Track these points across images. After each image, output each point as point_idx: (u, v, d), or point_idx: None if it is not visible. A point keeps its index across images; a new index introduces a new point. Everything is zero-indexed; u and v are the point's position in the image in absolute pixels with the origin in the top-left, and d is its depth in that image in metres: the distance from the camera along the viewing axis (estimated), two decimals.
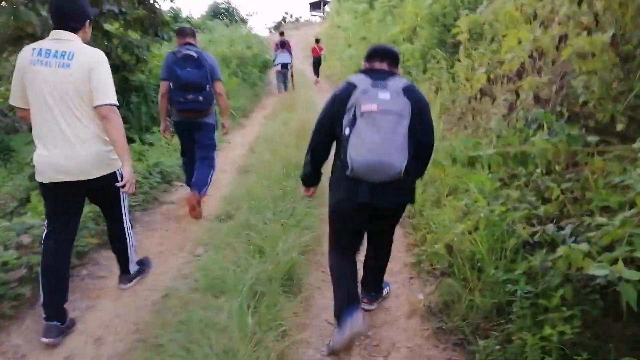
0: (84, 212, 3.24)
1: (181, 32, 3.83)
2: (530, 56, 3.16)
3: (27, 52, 2.17)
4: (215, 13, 26.25)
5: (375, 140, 1.88)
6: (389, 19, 9.87)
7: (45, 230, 2.36)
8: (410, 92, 1.98)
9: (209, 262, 2.71)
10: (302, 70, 13.01)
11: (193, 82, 3.58)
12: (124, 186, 2.28)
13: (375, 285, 2.57)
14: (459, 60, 5.79)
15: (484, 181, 2.89)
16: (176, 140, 4.42)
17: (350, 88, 2.00)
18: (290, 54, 11.00)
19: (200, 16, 24.98)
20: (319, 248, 3.19)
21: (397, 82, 1.99)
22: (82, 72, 2.17)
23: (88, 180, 2.27)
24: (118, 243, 2.65)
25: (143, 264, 2.89)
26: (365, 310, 2.48)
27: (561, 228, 2.21)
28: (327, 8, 33.64)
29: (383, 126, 1.89)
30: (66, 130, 2.19)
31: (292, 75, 11.20)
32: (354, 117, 1.92)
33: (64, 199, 2.32)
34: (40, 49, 2.16)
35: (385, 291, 2.66)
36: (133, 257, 2.74)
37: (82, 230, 3.13)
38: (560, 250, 1.79)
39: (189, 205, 3.69)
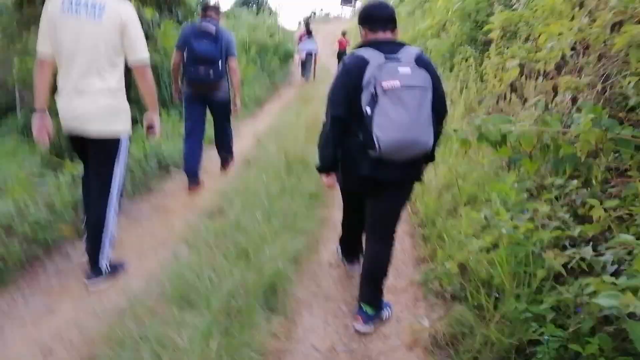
0: (61, 199, 3.00)
1: (205, 7, 3.87)
2: (573, 48, 2.71)
3: (57, 0, 2.16)
4: (245, 1, 26.16)
5: (404, 119, 1.79)
6: (418, 13, 9.39)
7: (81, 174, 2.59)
8: (423, 63, 1.89)
9: (185, 266, 2.37)
10: (327, 66, 12.59)
11: (206, 55, 3.59)
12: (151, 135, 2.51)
13: (374, 297, 2.23)
14: (488, 58, 5.33)
15: (507, 191, 2.47)
16: (181, 124, 4.46)
17: (361, 62, 1.86)
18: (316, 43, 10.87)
19: (230, 6, 24.95)
20: (313, 256, 2.83)
21: (409, 53, 1.88)
22: (113, 26, 2.18)
23: (94, 134, 2.29)
24: (94, 224, 2.41)
25: (116, 269, 2.56)
26: (359, 333, 2.20)
27: (600, 254, 1.81)
28: (358, 3, 33.09)
29: (409, 103, 1.79)
30: (85, 81, 2.21)
31: (315, 63, 10.95)
32: (375, 95, 1.80)
33: (82, 147, 2.40)
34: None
35: (385, 314, 2.31)
36: (107, 251, 2.45)
37: (56, 219, 2.86)
38: (592, 285, 1.44)
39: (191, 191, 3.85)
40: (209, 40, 3.60)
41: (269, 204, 3.04)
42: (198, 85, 3.72)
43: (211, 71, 3.63)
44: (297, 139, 4.63)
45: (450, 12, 7.61)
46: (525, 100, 3.66)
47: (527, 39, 5.17)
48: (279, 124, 6.06)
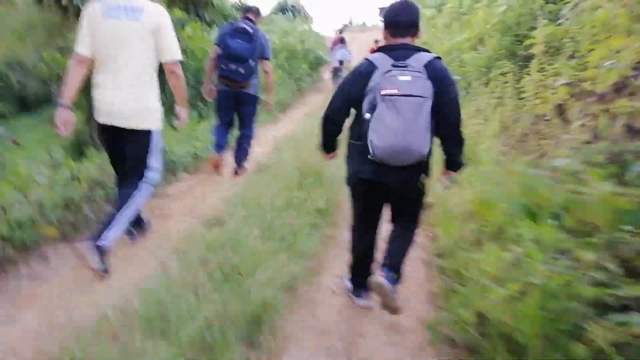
0: (49, 196, 2.81)
1: (246, 9, 4.11)
2: (636, 68, 2.34)
3: (98, 5, 2.33)
4: (282, 9, 26.27)
5: (398, 125, 1.82)
6: (456, 25, 9.00)
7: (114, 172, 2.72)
8: (433, 69, 1.87)
9: (165, 284, 2.11)
10: None
11: (238, 53, 3.72)
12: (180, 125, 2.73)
13: (394, 268, 2.19)
14: (528, 74, 4.94)
15: (544, 229, 2.11)
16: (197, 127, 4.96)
17: (370, 67, 1.92)
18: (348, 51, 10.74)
19: (269, 13, 25.11)
20: (313, 279, 2.53)
21: (420, 59, 1.88)
22: (149, 28, 2.35)
23: (130, 129, 2.46)
24: (120, 204, 2.50)
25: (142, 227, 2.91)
26: (378, 284, 2.06)
27: None
28: None
29: (404, 110, 1.82)
30: (124, 79, 2.39)
31: (346, 70, 10.77)
32: (374, 101, 1.87)
33: (114, 141, 2.55)
34: (111, 4, 2.33)
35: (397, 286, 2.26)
36: (115, 232, 2.41)
37: (42, 218, 2.67)
38: None
39: (212, 164, 4.15)
40: (243, 39, 3.73)
41: (272, 219, 2.75)
42: (229, 82, 3.83)
43: (242, 69, 3.74)
44: (313, 149, 4.34)
45: (489, 25, 7.21)
46: (568, 123, 3.26)
47: (572, 56, 4.76)
48: (299, 131, 5.79)
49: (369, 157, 1.91)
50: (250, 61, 3.76)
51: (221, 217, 3.06)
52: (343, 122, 2.10)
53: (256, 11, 4.05)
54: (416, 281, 2.68)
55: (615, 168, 2.43)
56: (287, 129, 6.43)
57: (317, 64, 11.82)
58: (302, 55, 10.46)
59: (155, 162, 2.60)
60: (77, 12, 4.95)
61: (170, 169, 4.07)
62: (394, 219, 2.26)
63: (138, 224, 2.85)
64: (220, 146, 4.11)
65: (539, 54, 4.91)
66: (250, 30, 3.77)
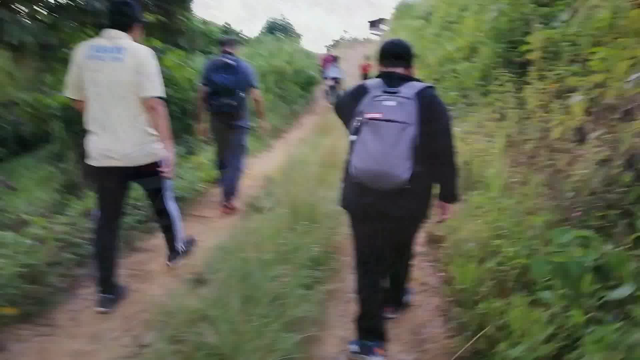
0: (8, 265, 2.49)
1: (220, 42, 4.21)
2: None
3: (84, 48, 2.41)
4: (272, 29, 26.28)
5: (378, 149, 1.83)
6: (446, 35, 8.77)
7: (96, 212, 2.63)
8: (424, 98, 1.89)
9: None
10: None
11: (225, 87, 3.81)
12: (167, 171, 2.56)
13: (394, 298, 2.47)
14: (528, 84, 4.64)
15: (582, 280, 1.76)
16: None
17: (362, 90, 1.98)
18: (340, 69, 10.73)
19: (259, 32, 25.09)
20: (312, 348, 2.17)
21: (412, 87, 1.91)
22: (132, 66, 2.38)
23: (132, 166, 2.50)
24: (164, 222, 2.87)
25: (191, 244, 3.19)
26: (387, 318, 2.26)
27: None
28: (383, 26, 32.82)
29: (386, 135, 1.83)
30: (116, 118, 2.42)
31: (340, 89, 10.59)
32: (359, 125, 1.89)
33: (110, 182, 2.56)
34: (96, 46, 2.40)
35: (407, 298, 2.57)
36: (180, 236, 2.93)
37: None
38: None
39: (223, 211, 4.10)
40: (227, 72, 3.83)
41: (259, 278, 2.40)
42: (220, 115, 3.94)
43: (232, 101, 3.84)
44: (308, 181, 4.02)
45: (481, 32, 6.95)
46: (583, 136, 2.94)
47: (573, 60, 4.47)
48: (292, 160, 5.47)
49: (352, 180, 1.95)
50: (239, 92, 3.85)
51: (203, 275, 2.72)
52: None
53: (231, 42, 4.17)
54: (435, 340, 2.32)
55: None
56: (279, 158, 6.10)
57: (309, 84, 11.58)
58: (292, 76, 10.21)
59: (167, 185, 2.78)
60: (35, 52, 4.69)
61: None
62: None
63: (114, 290, 2.62)
64: (230, 194, 4.12)
65: (537, 59, 4.64)
66: (232, 63, 3.86)
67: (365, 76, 12.11)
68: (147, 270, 3.02)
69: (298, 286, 2.39)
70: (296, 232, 2.99)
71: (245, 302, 2.15)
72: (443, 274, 2.92)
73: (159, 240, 3.40)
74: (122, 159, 2.45)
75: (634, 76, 2.20)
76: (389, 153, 1.82)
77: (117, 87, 2.38)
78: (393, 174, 1.83)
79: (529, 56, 4.69)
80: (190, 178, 4.55)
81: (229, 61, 3.86)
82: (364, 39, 36.07)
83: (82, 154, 2.62)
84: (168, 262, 2.98)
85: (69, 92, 2.49)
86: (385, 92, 1.89)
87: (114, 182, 2.56)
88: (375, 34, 37.99)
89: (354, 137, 1.91)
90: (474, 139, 4.59)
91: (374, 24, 40.38)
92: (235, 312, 2.07)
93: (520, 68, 5.35)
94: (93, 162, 2.48)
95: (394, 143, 1.82)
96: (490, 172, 3.36)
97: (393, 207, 1.97)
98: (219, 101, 3.83)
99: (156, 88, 2.47)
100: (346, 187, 2.10)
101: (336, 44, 33.16)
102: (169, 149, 2.57)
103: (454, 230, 3.16)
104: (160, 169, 2.52)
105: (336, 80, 10.43)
